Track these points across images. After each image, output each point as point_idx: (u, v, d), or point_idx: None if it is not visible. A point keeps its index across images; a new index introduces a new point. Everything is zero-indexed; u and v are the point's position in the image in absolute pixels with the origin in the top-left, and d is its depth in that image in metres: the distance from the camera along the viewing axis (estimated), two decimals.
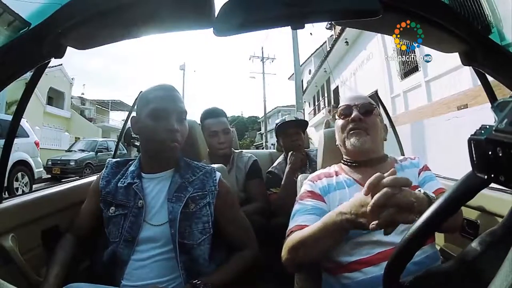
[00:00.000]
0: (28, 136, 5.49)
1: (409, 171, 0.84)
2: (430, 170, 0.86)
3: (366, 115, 0.85)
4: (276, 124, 1.69)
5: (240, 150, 1.69)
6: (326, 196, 0.82)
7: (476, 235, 0.86)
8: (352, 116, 0.84)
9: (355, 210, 0.58)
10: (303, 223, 0.74)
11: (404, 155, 1.08)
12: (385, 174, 0.55)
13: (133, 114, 0.96)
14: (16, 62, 0.64)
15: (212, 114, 1.55)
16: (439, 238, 1.00)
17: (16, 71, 0.65)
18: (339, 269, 0.76)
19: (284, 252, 0.73)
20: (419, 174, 0.84)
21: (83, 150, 9.35)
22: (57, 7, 0.61)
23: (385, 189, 0.52)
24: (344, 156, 0.90)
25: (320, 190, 0.83)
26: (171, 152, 0.88)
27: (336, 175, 0.87)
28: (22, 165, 5.39)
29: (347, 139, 0.85)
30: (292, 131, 1.63)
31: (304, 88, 14.79)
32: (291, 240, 0.72)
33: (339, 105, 0.91)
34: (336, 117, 0.91)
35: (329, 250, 0.71)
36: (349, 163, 0.87)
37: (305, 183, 0.88)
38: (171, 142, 0.85)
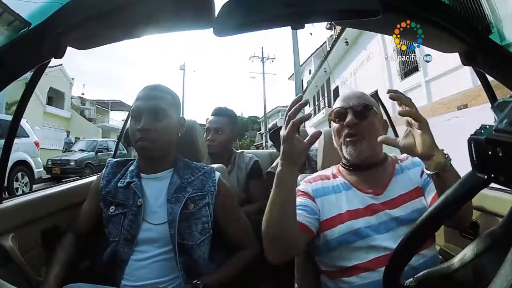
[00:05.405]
0: (28, 136, 5.48)
1: (411, 172, 0.82)
2: None
3: (362, 118, 0.79)
4: (269, 130, 1.69)
5: (241, 151, 1.70)
6: (318, 198, 0.80)
7: (476, 235, 0.86)
8: (347, 121, 0.79)
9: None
10: None
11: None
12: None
13: None
14: (16, 62, 0.64)
15: (214, 111, 1.58)
16: (439, 238, 1.00)
17: (16, 71, 0.65)
18: (337, 273, 0.76)
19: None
20: (421, 174, 0.80)
21: (83, 150, 9.33)
22: (57, 7, 0.61)
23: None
24: (342, 159, 0.87)
25: (312, 192, 0.82)
26: (143, 152, 0.88)
27: (334, 177, 0.85)
28: (22, 165, 5.38)
29: (343, 145, 0.81)
30: None
31: (304, 88, 14.77)
32: None
33: (333, 106, 0.86)
34: (331, 119, 0.85)
35: (291, 227, 0.67)
36: (347, 167, 0.85)
37: (301, 183, 0.87)
38: (136, 142, 0.86)
